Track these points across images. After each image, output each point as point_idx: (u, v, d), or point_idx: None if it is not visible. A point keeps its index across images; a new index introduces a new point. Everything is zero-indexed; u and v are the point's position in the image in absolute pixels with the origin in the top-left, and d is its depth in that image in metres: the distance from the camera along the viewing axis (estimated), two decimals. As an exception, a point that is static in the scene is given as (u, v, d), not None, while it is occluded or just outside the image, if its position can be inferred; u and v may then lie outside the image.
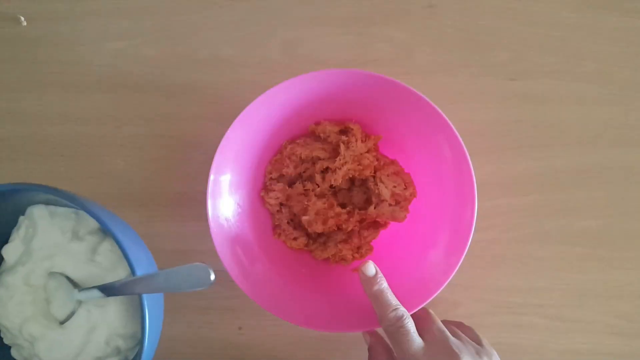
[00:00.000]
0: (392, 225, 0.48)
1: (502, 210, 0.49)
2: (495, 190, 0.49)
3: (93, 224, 0.39)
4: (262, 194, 0.46)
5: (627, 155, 0.49)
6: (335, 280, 0.46)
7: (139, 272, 0.35)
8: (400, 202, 0.45)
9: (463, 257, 0.40)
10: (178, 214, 0.48)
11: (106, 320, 0.37)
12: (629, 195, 0.49)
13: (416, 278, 0.42)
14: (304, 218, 0.45)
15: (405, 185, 0.45)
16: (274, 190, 0.46)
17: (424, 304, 0.40)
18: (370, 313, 0.40)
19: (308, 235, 0.47)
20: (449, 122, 0.40)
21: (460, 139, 0.40)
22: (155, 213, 0.48)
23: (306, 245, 0.47)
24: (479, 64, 0.49)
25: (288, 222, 0.47)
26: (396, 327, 0.37)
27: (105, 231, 0.39)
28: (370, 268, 0.39)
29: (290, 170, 0.46)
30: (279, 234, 0.46)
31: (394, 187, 0.44)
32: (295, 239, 0.46)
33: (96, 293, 0.36)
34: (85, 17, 0.49)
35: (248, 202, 0.45)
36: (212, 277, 0.32)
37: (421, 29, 0.49)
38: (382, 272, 0.41)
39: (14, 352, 0.39)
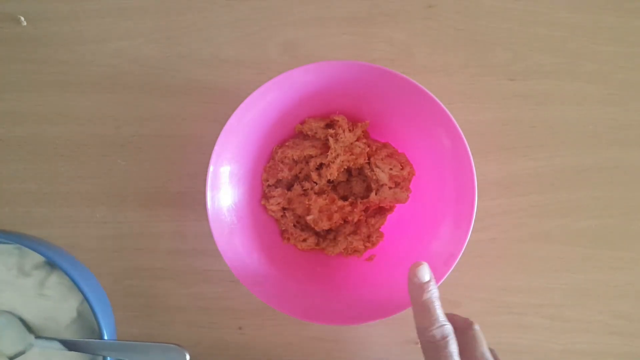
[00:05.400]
0: (394, 218, 0.48)
1: (502, 210, 0.49)
2: (495, 190, 0.49)
3: (37, 258, 0.38)
4: (262, 202, 0.46)
5: (627, 155, 0.49)
6: (352, 274, 0.46)
7: (101, 321, 0.36)
8: (400, 182, 0.45)
9: (464, 245, 0.40)
10: (178, 214, 0.48)
11: (62, 355, 0.37)
12: (629, 195, 0.49)
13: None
14: (309, 218, 0.45)
15: (401, 166, 0.44)
16: (274, 197, 0.46)
17: None
18: (385, 303, 0.41)
19: (317, 234, 0.47)
20: (443, 105, 0.39)
21: (457, 125, 0.39)
22: (155, 213, 0.48)
23: (317, 244, 0.47)
24: (479, 64, 0.49)
25: (294, 225, 0.47)
26: (438, 347, 0.33)
27: (51, 264, 0.39)
28: (425, 272, 0.35)
29: (285, 174, 0.45)
30: (288, 239, 0.46)
31: (391, 169, 0.44)
32: (304, 240, 0.46)
33: (56, 345, 0.36)
34: (85, 17, 0.49)
35: (250, 212, 0.44)
36: (187, 358, 0.34)
37: (421, 29, 0.49)
38: (386, 265, 0.40)
39: None
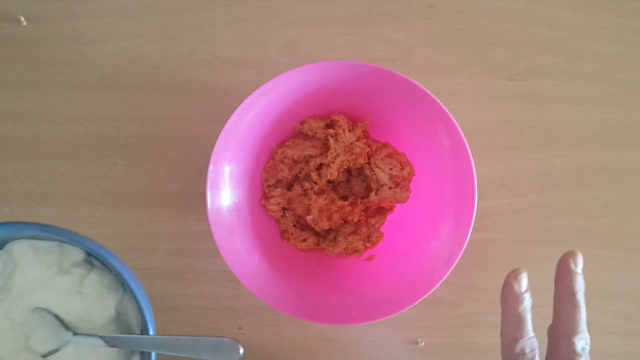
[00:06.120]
0: (394, 218, 0.48)
1: (502, 210, 0.49)
2: (495, 190, 0.49)
3: (77, 256, 0.38)
4: (262, 202, 0.46)
5: (627, 155, 0.49)
6: (352, 274, 0.46)
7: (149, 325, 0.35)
8: (400, 182, 0.45)
9: (464, 245, 0.40)
10: (178, 214, 0.48)
11: (98, 355, 0.37)
12: (629, 195, 0.49)
13: (419, 269, 0.42)
14: (309, 218, 0.45)
15: (401, 166, 0.44)
16: (274, 197, 0.46)
17: (428, 293, 0.40)
18: (385, 303, 0.40)
19: (317, 234, 0.47)
20: (443, 105, 0.39)
21: (457, 125, 0.39)
22: (155, 213, 0.48)
23: (317, 244, 0.47)
24: (479, 64, 0.49)
25: (294, 225, 0.47)
26: None
27: (90, 262, 0.39)
28: (525, 280, 0.34)
29: (285, 174, 0.45)
30: (288, 239, 0.46)
31: (391, 169, 0.44)
32: (304, 240, 0.46)
33: (97, 341, 0.35)
34: (85, 17, 0.49)
35: (250, 212, 0.44)
36: (241, 351, 0.34)
37: (421, 29, 0.49)
38: (386, 265, 0.40)
39: None
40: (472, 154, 0.39)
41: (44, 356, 0.37)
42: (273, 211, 0.46)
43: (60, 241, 0.38)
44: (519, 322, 0.33)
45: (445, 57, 0.49)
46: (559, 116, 0.49)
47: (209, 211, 0.39)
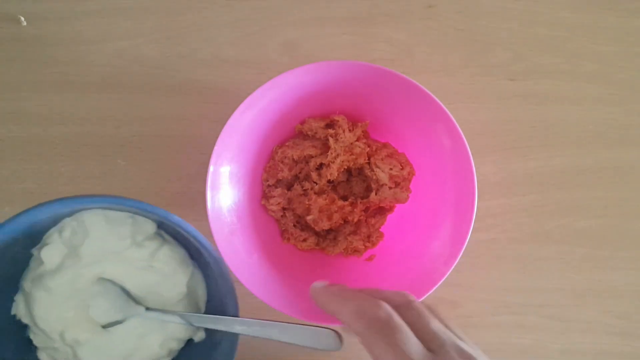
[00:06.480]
0: (394, 218, 0.48)
1: (502, 210, 0.49)
2: (495, 190, 0.49)
3: (149, 229, 0.37)
4: (262, 202, 0.46)
5: (627, 155, 0.49)
6: (352, 274, 0.46)
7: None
8: (400, 182, 0.45)
9: (464, 245, 0.39)
10: (178, 214, 0.48)
11: (163, 327, 0.36)
12: (629, 195, 0.49)
13: (419, 269, 0.42)
14: (309, 218, 0.45)
15: (401, 166, 0.44)
16: (274, 197, 0.46)
17: (428, 294, 0.40)
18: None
19: (317, 234, 0.47)
20: (443, 105, 0.39)
21: (457, 125, 0.39)
22: (155, 213, 0.48)
23: (317, 244, 0.47)
24: (479, 64, 0.49)
25: (294, 225, 0.47)
26: (388, 328, 0.27)
27: (162, 236, 0.38)
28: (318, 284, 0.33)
29: (285, 174, 0.45)
30: (288, 239, 0.46)
31: (391, 169, 0.44)
32: (304, 240, 0.46)
33: (176, 319, 0.34)
34: (85, 17, 0.49)
35: (250, 212, 0.44)
36: (342, 342, 0.33)
37: (421, 29, 0.49)
38: (386, 265, 0.39)
39: (42, 355, 0.37)
40: (472, 154, 0.39)
41: (104, 326, 0.36)
42: (273, 211, 0.46)
43: (135, 213, 0.37)
44: (347, 292, 0.31)
45: (445, 57, 0.49)
46: (559, 116, 0.49)
47: (209, 211, 0.39)
